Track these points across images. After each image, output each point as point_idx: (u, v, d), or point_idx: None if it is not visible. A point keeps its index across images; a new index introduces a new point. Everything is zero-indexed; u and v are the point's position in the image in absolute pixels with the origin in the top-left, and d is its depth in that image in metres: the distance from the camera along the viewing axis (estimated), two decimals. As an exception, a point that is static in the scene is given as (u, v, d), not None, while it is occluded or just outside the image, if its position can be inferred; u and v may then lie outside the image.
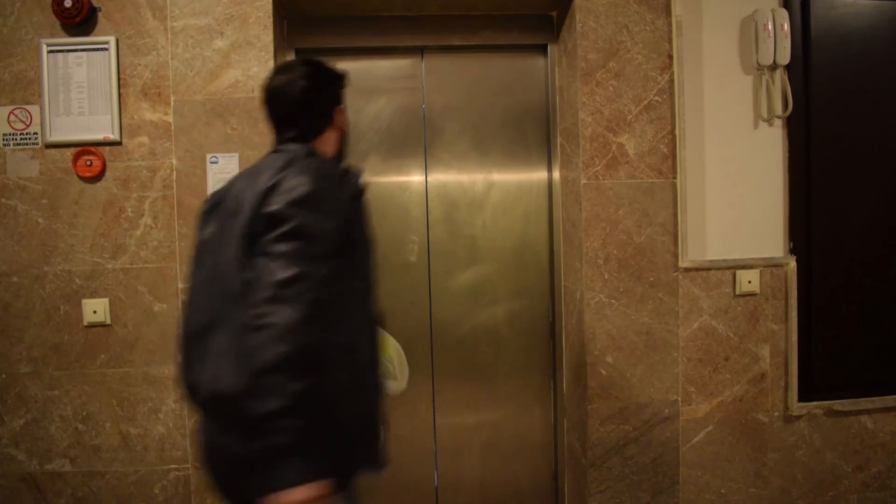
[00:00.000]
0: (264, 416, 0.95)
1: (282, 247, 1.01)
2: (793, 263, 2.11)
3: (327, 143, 1.27)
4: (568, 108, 2.11)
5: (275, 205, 1.03)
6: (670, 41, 2.00)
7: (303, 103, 1.22)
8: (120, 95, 1.91)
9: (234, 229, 1.08)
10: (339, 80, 1.30)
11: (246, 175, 1.17)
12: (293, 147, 1.19)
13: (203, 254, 1.19)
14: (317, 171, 1.09)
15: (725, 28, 2.10)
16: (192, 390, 1.14)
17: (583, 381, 2.03)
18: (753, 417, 2.12)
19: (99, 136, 1.90)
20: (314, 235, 1.03)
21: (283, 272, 0.98)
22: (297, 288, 0.98)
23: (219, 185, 1.28)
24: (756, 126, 2.12)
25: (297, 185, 1.05)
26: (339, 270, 1.06)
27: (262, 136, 1.88)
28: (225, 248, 1.10)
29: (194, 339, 1.13)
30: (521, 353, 2.26)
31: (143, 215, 1.92)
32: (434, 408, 2.24)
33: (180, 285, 1.89)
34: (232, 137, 1.88)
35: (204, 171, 1.88)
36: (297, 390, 0.96)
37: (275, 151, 1.22)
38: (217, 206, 1.19)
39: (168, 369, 1.93)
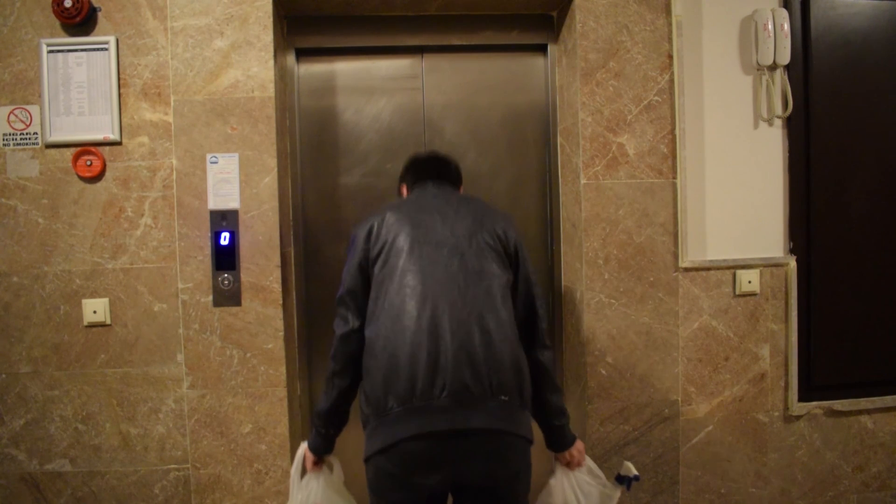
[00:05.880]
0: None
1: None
2: (793, 263, 2.11)
3: None
4: (568, 108, 2.11)
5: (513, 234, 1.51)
6: (670, 41, 2.00)
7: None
8: (120, 95, 1.91)
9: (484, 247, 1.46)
10: None
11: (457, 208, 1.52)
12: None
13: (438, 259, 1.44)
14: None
15: (725, 28, 2.10)
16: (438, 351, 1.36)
17: (583, 380, 2.03)
18: (753, 417, 2.12)
19: (99, 136, 1.90)
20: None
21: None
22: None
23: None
24: (756, 126, 2.12)
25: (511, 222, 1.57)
26: None
27: (262, 136, 1.88)
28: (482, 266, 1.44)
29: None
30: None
31: (143, 215, 1.92)
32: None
33: (180, 285, 1.89)
34: (232, 137, 1.88)
35: (204, 171, 1.88)
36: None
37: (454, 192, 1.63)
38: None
39: (168, 369, 1.93)
